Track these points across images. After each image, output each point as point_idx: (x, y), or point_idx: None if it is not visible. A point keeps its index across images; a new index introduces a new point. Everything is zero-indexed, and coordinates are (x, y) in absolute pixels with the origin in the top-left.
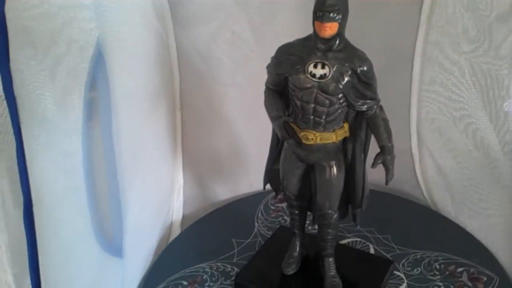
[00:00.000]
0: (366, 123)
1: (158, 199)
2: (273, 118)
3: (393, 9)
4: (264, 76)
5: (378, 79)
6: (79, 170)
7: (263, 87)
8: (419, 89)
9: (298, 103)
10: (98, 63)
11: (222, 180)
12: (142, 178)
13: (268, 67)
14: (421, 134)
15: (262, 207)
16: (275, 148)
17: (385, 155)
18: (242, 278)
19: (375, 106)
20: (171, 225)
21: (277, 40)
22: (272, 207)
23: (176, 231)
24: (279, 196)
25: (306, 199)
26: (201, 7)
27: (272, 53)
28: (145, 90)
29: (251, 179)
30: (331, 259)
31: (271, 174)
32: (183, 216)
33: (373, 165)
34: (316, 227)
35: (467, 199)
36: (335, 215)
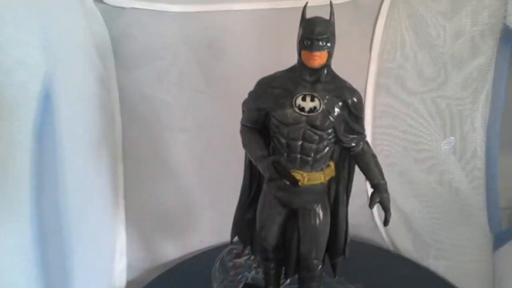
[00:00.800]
0: (349, 161)
1: (101, 264)
2: (258, 159)
3: (344, 47)
4: (216, 119)
5: None
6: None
7: (215, 132)
8: (372, 124)
9: (283, 140)
10: (46, 106)
11: (170, 238)
12: (85, 241)
13: (244, 103)
14: None
15: (217, 264)
16: (247, 195)
17: (382, 193)
18: None
19: (361, 142)
20: None
21: (229, 81)
22: (230, 263)
23: None
24: (238, 251)
25: (282, 251)
26: (146, 46)
27: (224, 95)
28: (88, 139)
29: (202, 234)
30: None
31: (241, 225)
32: (128, 283)
33: (371, 205)
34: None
35: (433, 239)
36: (320, 266)
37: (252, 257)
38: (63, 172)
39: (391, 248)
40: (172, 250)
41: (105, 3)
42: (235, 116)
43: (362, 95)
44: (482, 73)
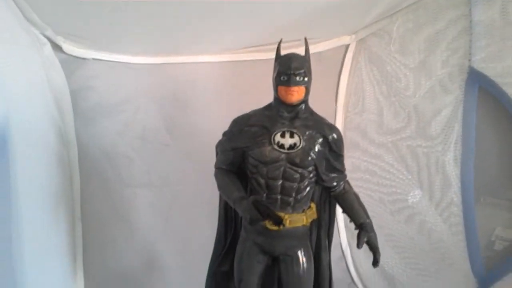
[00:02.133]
0: (329, 204)
1: None
2: (236, 201)
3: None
4: (182, 173)
5: None
6: None
7: (182, 187)
8: None
9: (262, 181)
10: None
11: None
12: None
13: (219, 144)
14: (350, 227)
15: None
16: (222, 245)
17: (369, 232)
18: None
19: (342, 181)
20: None
21: (194, 133)
22: None
23: None
24: None
25: None
26: (107, 99)
27: (189, 147)
28: (45, 195)
29: None
30: None
31: (215, 279)
32: None
33: (359, 244)
34: None
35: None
36: None
37: None
38: (17, 228)
39: None
40: None
41: (65, 53)
42: (202, 170)
43: None
44: (451, 114)
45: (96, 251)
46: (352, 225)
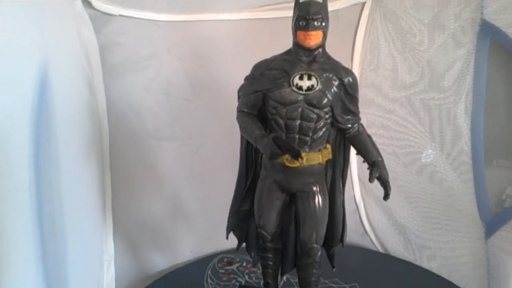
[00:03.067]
0: (344, 147)
1: (87, 274)
2: (257, 138)
3: None
4: (204, 127)
5: None
6: None
7: (204, 140)
8: None
9: (281, 121)
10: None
11: (158, 248)
12: (72, 249)
13: (241, 89)
14: (363, 179)
15: (209, 272)
16: (243, 185)
17: (381, 169)
18: None
19: (356, 124)
20: None
21: (215, 89)
22: (221, 270)
23: None
24: (229, 259)
25: (281, 241)
26: (133, 54)
27: (211, 103)
28: (78, 145)
29: (192, 243)
30: None
31: (237, 219)
32: None
33: (371, 179)
34: (285, 278)
35: (425, 238)
36: (320, 251)
37: (244, 263)
38: (57, 175)
39: (382, 251)
40: (161, 260)
41: (95, 9)
42: (223, 124)
43: None
44: (463, 66)
45: (124, 198)
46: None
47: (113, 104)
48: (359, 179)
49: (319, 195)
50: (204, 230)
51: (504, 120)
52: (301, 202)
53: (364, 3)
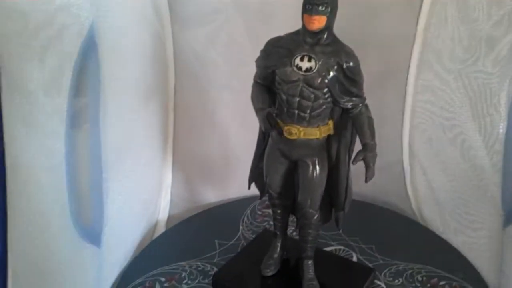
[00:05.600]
0: (351, 122)
1: (144, 196)
2: (257, 110)
3: (391, 17)
4: None
5: (374, 86)
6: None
7: None
8: (413, 98)
9: (284, 96)
10: (90, 51)
11: (210, 183)
12: (128, 172)
13: (257, 60)
14: (413, 146)
15: (248, 211)
16: (261, 146)
17: (366, 152)
18: (219, 277)
19: (360, 104)
20: (156, 223)
21: None
22: (259, 212)
23: (161, 229)
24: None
25: (289, 199)
26: (199, 8)
27: None
28: (138, 85)
29: (240, 184)
30: (310, 262)
31: (256, 173)
32: (169, 216)
33: (354, 161)
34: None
35: (455, 213)
36: (316, 215)
37: None
38: (105, 107)
39: (419, 219)
40: (212, 194)
41: None
42: None
43: (405, 68)
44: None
45: (184, 136)
46: (416, 146)
47: (180, 52)
48: (409, 143)
49: (316, 166)
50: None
51: None
52: (300, 170)
53: None
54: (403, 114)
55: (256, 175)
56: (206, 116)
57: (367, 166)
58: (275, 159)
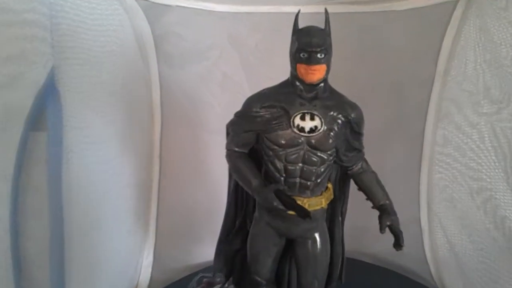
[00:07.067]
0: (343, 181)
1: (122, 254)
2: (256, 189)
3: (407, 59)
4: None
5: (387, 135)
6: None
7: None
8: (431, 151)
9: (280, 165)
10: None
11: (199, 241)
12: (102, 230)
13: (230, 125)
14: (431, 204)
15: None
16: (231, 225)
17: (390, 215)
18: None
19: (360, 160)
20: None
21: (272, 84)
22: None
23: None
24: (209, 279)
25: (275, 284)
26: (191, 45)
27: None
28: (119, 130)
29: None
30: None
31: (224, 258)
32: (151, 278)
33: (382, 229)
34: None
35: (482, 285)
36: None
37: (226, 285)
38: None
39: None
40: (200, 253)
41: (150, 0)
42: None
43: (423, 115)
44: None
45: (171, 187)
46: (435, 204)
47: (168, 94)
48: (427, 201)
49: (321, 240)
50: None
51: None
52: (301, 248)
53: (456, 2)
54: (420, 168)
55: (224, 261)
56: (196, 164)
57: (397, 232)
58: (267, 240)
